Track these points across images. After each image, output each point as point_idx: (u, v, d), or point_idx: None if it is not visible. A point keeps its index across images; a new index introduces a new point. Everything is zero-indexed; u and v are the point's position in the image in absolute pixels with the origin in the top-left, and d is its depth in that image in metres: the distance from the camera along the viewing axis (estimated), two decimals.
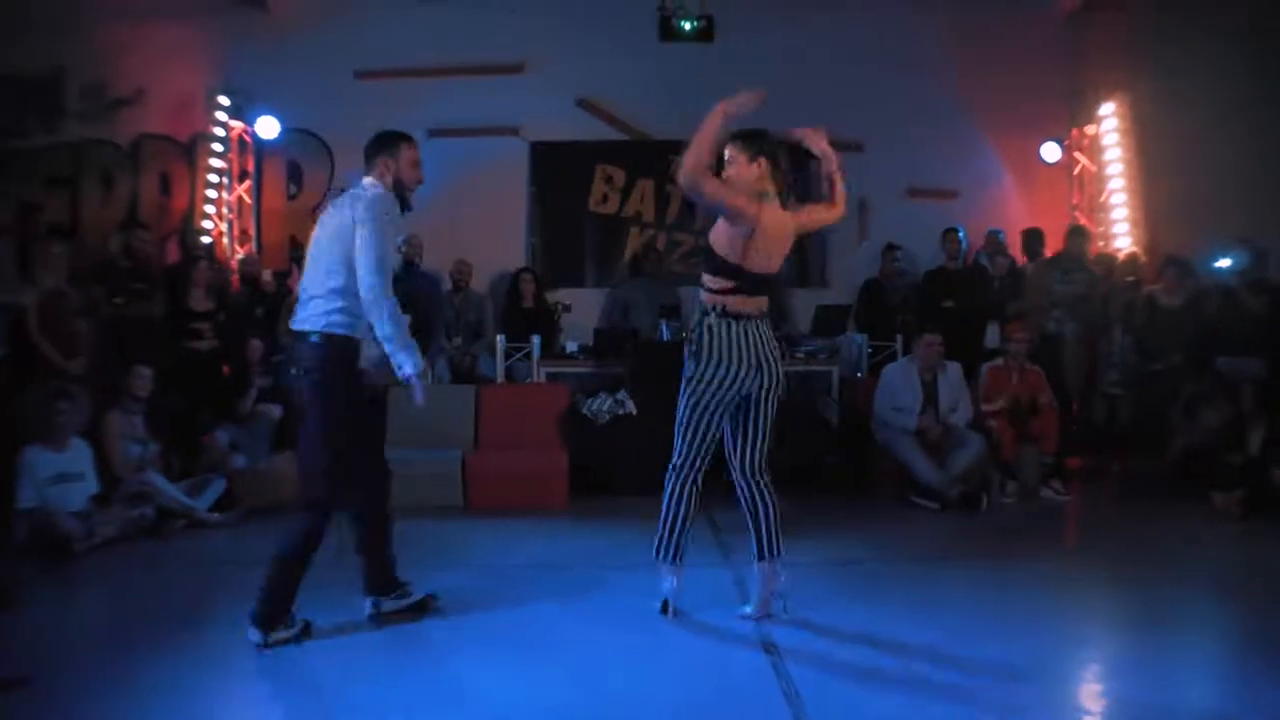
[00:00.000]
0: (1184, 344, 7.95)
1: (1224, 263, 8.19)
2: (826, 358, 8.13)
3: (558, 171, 9.61)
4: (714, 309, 4.16)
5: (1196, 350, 7.88)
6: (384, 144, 4.10)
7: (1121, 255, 9.18)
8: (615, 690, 3.56)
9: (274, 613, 3.94)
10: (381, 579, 4.31)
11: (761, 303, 4.23)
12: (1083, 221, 9.69)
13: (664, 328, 7.82)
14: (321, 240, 3.99)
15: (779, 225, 4.21)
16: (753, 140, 4.30)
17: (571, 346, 8.13)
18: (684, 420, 4.22)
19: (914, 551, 5.69)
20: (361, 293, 3.83)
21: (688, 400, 4.19)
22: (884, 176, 9.38)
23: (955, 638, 4.04)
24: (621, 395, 7.40)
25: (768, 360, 4.18)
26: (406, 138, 4.15)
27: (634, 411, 7.33)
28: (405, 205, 4.11)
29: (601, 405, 7.35)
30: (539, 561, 5.35)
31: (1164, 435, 7.74)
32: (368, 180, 4.05)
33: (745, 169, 4.24)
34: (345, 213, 3.92)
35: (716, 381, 4.12)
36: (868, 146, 9.43)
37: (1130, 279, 8.58)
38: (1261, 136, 8.87)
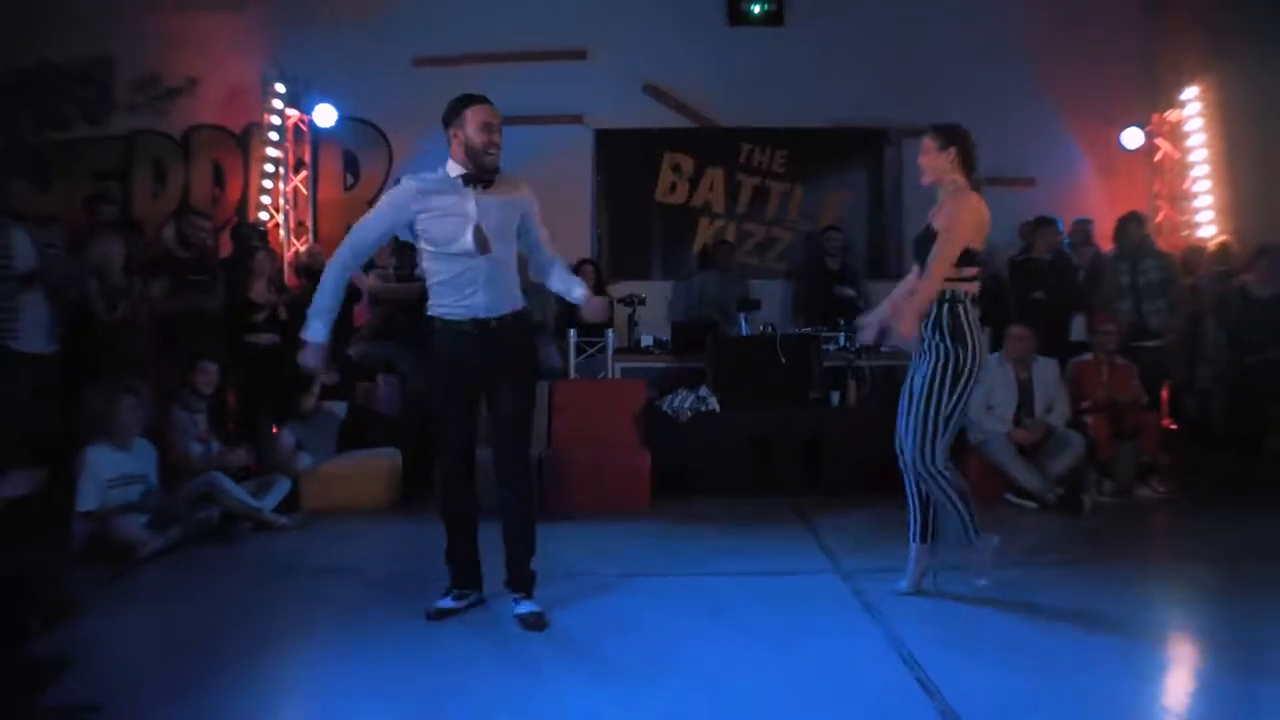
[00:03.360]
0: (1275, 335, 7.59)
1: None
2: None
3: (623, 160, 9.32)
4: (966, 296, 4.25)
5: None
6: (450, 113, 3.99)
7: (1212, 244, 8.80)
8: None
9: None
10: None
11: None
12: (1164, 210, 9.34)
13: (743, 321, 7.52)
14: None
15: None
16: (944, 130, 4.41)
17: (646, 340, 7.86)
18: (948, 413, 4.25)
19: (1020, 555, 5.26)
20: None
21: (955, 391, 4.22)
22: None
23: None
24: (704, 391, 7.09)
25: None
26: (472, 99, 4.00)
27: (717, 409, 7.02)
28: (483, 174, 3.92)
29: (683, 402, 7.04)
30: (635, 570, 4.99)
31: (1261, 431, 7.41)
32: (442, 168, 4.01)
33: (936, 157, 4.38)
34: None
35: (978, 369, 4.26)
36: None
37: (1222, 269, 8.21)
38: None
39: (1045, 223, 8.32)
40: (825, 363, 7.50)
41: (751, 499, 6.64)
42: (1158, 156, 9.48)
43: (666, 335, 7.91)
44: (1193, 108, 9.21)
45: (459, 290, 3.99)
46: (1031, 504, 6.45)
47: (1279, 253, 7.98)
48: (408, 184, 3.97)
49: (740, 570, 4.89)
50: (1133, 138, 9.32)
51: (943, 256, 4.18)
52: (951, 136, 4.35)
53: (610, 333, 7.62)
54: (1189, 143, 9.25)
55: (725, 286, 8.31)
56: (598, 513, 6.23)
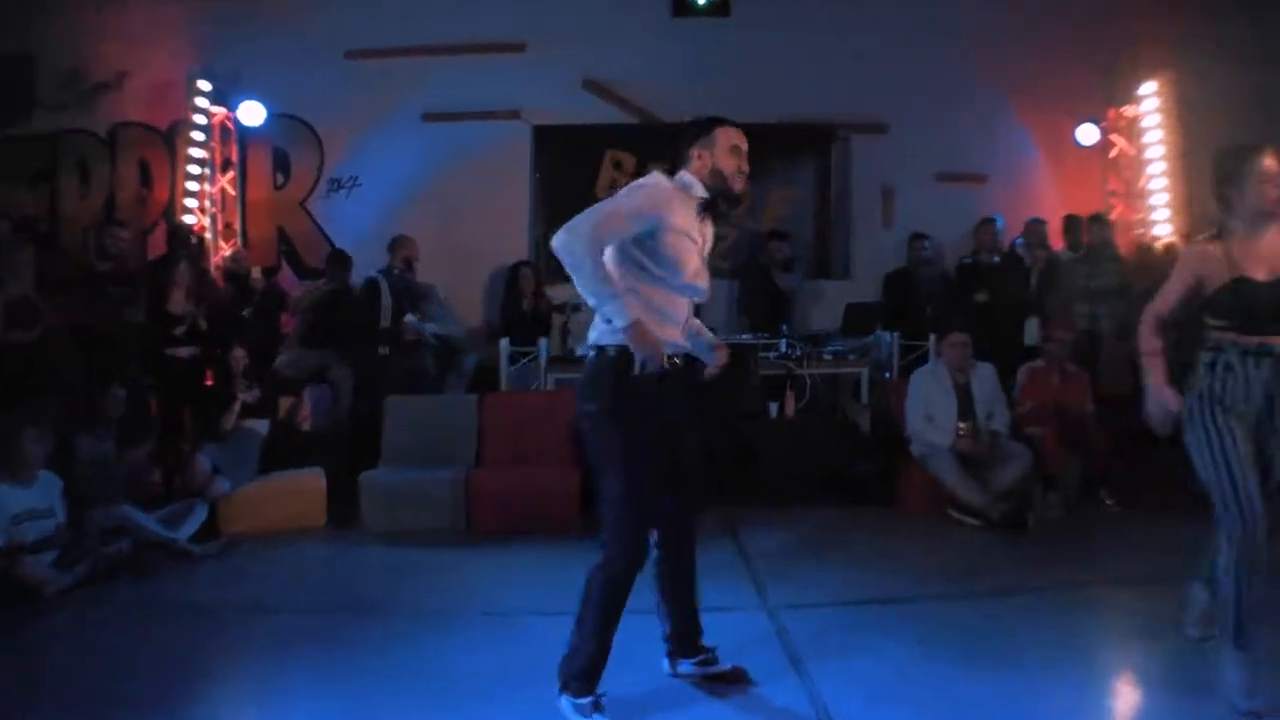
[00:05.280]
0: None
1: None
2: (856, 359, 7.65)
3: (563, 157, 9.04)
4: None
5: None
6: (698, 131, 3.51)
7: (1160, 245, 8.64)
8: None
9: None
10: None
11: None
12: (1119, 208, 9.17)
13: None
14: None
15: None
16: None
17: (581, 349, 7.56)
18: None
19: (961, 582, 5.14)
20: None
21: None
22: (910, 160, 8.95)
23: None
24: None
25: None
26: (722, 120, 3.54)
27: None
28: (731, 201, 3.52)
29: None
30: (548, 606, 4.54)
31: None
32: (681, 173, 3.50)
33: None
34: None
35: None
36: (893, 128, 9.04)
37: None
38: None
39: (984, 222, 8.17)
40: (764, 371, 7.30)
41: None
42: (1113, 153, 9.29)
43: None
44: (1150, 103, 9.02)
45: (676, 317, 3.47)
46: (975, 520, 6.26)
47: None
48: (663, 181, 3.44)
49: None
50: (1088, 134, 9.12)
51: None
52: None
53: (544, 341, 7.37)
54: (1145, 139, 9.07)
55: None
56: (525, 534, 5.98)
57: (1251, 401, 3.42)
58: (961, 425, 6.57)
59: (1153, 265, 8.22)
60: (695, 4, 8.78)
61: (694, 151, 3.47)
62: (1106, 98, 9.23)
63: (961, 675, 3.83)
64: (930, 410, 6.63)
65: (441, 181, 8.67)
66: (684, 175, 3.48)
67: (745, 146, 3.49)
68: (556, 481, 6.26)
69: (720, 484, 6.48)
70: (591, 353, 3.42)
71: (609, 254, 3.28)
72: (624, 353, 3.24)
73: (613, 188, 9.04)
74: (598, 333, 3.39)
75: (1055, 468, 6.65)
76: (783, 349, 7.47)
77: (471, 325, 8.48)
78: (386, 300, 7.58)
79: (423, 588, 5.01)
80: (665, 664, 3.78)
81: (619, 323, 3.19)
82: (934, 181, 9.06)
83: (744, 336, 7.70)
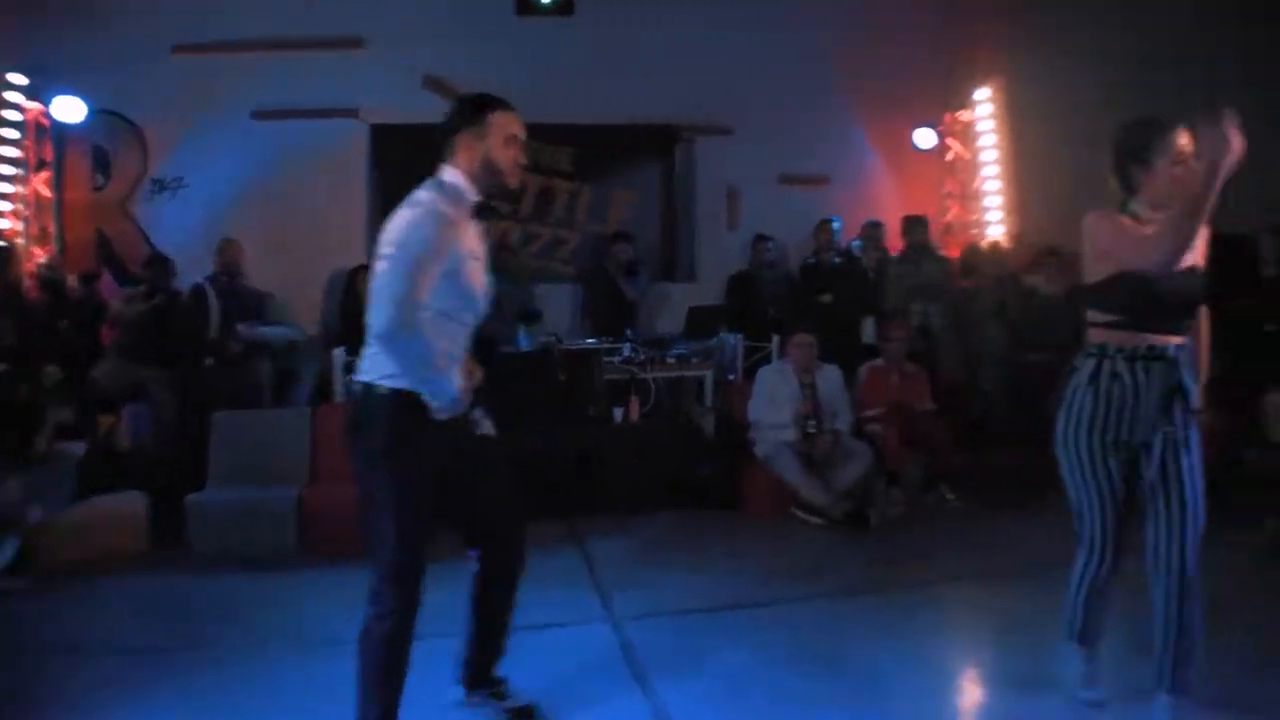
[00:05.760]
0: (1063, 334, 7.74)
1: None
2: (700, 361, 7.64)
3: (402, 158, 8.50)
4: None
5: (1075, 341, 7.68)
6: (466, 114, 3.05)
7: (985, 244, 8.95)
8: None
9: None
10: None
11: None
12: (954, 210, 9.44)
13: (523, 336, 7.15)
14: None
15: None
16: None
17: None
18: None
19: (806, 582, 5.17)
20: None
21: None
22: (754, 162, 9.02)
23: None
24: (478, 413, 6.67)
25: None
26: (498, 103, 3.08)
27: (492, 433, 6.61)
28: (507, 199, 3.24)
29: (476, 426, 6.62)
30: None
31: (1043, 427, 7.53)
32: (446, 170, 3.04)
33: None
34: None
35: None
36: (737, 130, 9.08)
37: (1001, 270, 8.35)
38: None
39: (822, 223, 8.32)
40: (608, 376, 7.23)
41: (530, 524, 6.25)
42: (949, 156, 9.56)
43: None
44: (984, 109, 9.32)
45: (457, 351, 3.08)
46: (818, 519, 6.33)
47: (1067, 253, 8.16)
48: (440, 206, 2.92)
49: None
50: (925, 137, 9.37)
51: None
52: None
53: None
54: (980, 143, 9.37)
55: (510, 295, 7.87)
56: (363, 554, 5.73)
57: (1142, 418, 3.17)
58: (808, 424, 6.66)
59: (980, 264, 8.53)
60: (539, 3, 8.63)
61: (462, 141, 3.01)
62: (943, 103, 9.51)
63: (807, 679, 3.85)
64: (775, 410, 6.69)
65: (275, 182, 8.31)
66: (450, 177, 3.01)
67: (523, 135, 3.09)
68: None
69: (564, 493, 6.39)
70: (359, 388, 3.02)
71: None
72: (399, 395, 2.91)
73: None
74: (372, 369, 2.97)
75: (897, 465, 6.79)
76: (627, 353, 7.42)
77: (309, 333, 8.15)
78: (214, 309, 7.20)
79: (256, 617, 4.74)
80: (458, 691, 3.46)
81: (441, 401, 2.92)
82: (777, 183, 9.15)
83: (588, 341, 7.62)
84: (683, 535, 6.16)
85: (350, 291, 7.77)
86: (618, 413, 7.02)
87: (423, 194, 2.92)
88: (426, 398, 2.92)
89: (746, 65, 8.83)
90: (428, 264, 2.82)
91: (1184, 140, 3.14)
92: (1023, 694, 3.65)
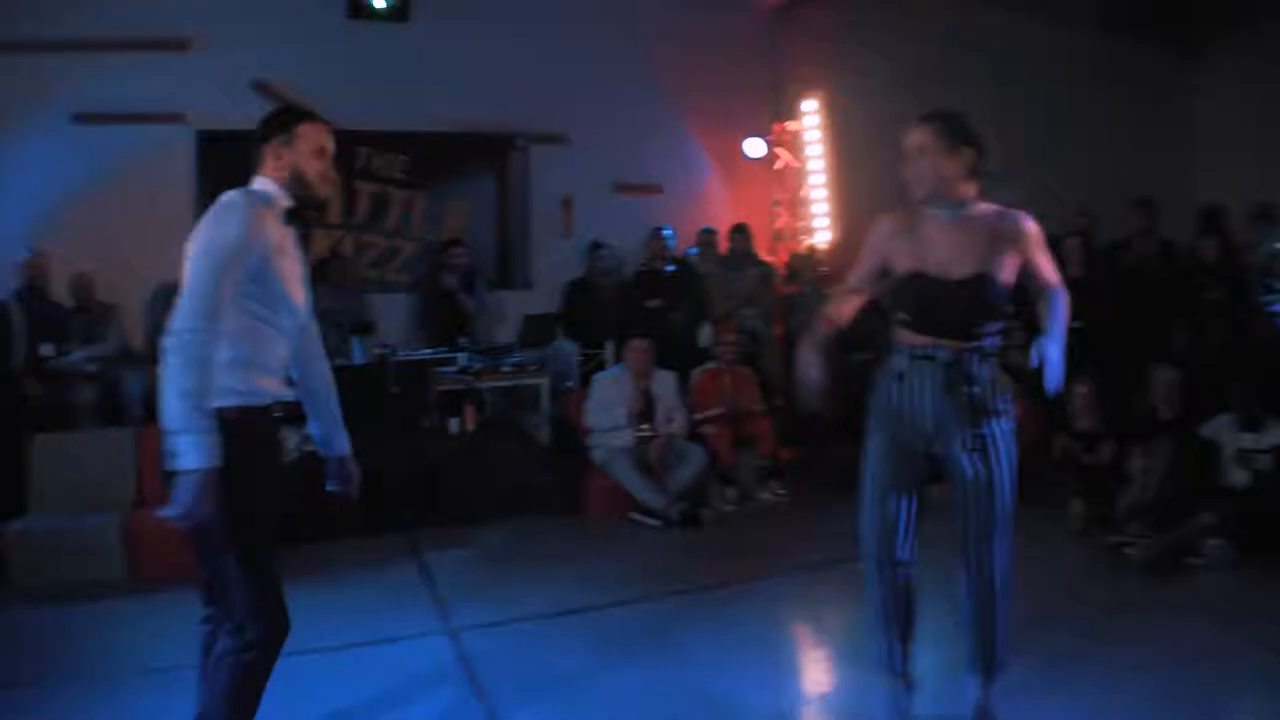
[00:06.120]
0: (885, 335, 8.14)
1: None
2: (536, 369, 7.70)
3: (230, 165, 8.17)
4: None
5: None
6: (275, 125, 3.03)
7: (809, 250, 9.33)
8: None
9: None
10: None
11: None
12: (784, 217, 9.78)
13: (357, 347, 7.08)
14: None
15: None
16: (952, 125, 3.24)
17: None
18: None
19: (643, 584, 5.34)
20: None
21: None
22: (588, 170, 9.09)
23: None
24: (311, 430, 6.57)
25: None
26: (307, 115, 3.07)
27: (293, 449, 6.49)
28: (313, 208, 3.07)
29: (287, 443, 6.52)
30: None
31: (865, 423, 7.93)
32: (256, 180, 3.00)
33: (944, 160, 3.22)
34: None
35: None
36: (572, 139, 9.15)
37: (820, 273, 8.74)
38: None
39: (654, 232, 8.52)
40: (443, 387, 7.23)
41: (369, 540, 6.18)
42: (778, 165, 9.86)
43: None
44: (810, 119, 9.67)
45: (271, 361, 2.97)
46: (655, 521, 6.51)
47: None
48: (240, 200, 2.84)
49: (343, 643, 4.48)
50: (755, 147, 9.64)
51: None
52: (965, 133, 3.23)
53: None
54: (807, 152, 9.71)
55: (340, 304, 7.73)
56: (186, 581, 5.55)
57: (920, 417, 3.24)
58: (642, 428, 6.84)
59: (802, 269, 8.89)
60: (372, 7, 8.54)
61: (270, 150, 3.00)
62: (772, 113, 9.79)
63: (645, 676, 4.00)
64: (610, 416, 6.85)
65: (96, 190, 7.89)
66: (260, 184, 2.98)
67: (332, 148, 3.07)
68: None
69: (400, 506, 6.39)
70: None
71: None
72: (219, 413, 2.72)
73: None
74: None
75: (729, 465, 7.04)
76: (462, 363, 7.44)
77: (134, 346, 7.82)
78: (18, 327, 6.83)
79: (84, 649, 4.57)
80: None
81: (188, 461, 2.62)
82: (612, 192, 9.26)
83: (423, 352, 7.61)
84: (522, 543, 6.23)
85: (171, 305, 7.46)
86: (453, 423, 7.03)
87: (225, 195, 2.86)
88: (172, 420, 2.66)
89: (581, 75, 8.91)
90: (232, 260, 2.74)
91: (912, 137, 3.22)
92: (853, 674, 3.90)
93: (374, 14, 8.58)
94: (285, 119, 3.04)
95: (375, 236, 8.91)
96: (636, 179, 9.29)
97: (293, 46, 8.36)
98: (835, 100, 9.56)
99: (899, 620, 3.40)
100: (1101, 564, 5.51)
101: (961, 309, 3.18)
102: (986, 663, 3.37)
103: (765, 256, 9.28)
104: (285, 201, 2.98)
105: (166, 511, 2.65)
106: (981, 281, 3.17)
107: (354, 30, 8.52)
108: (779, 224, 9.79)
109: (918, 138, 3.21)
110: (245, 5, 8.28)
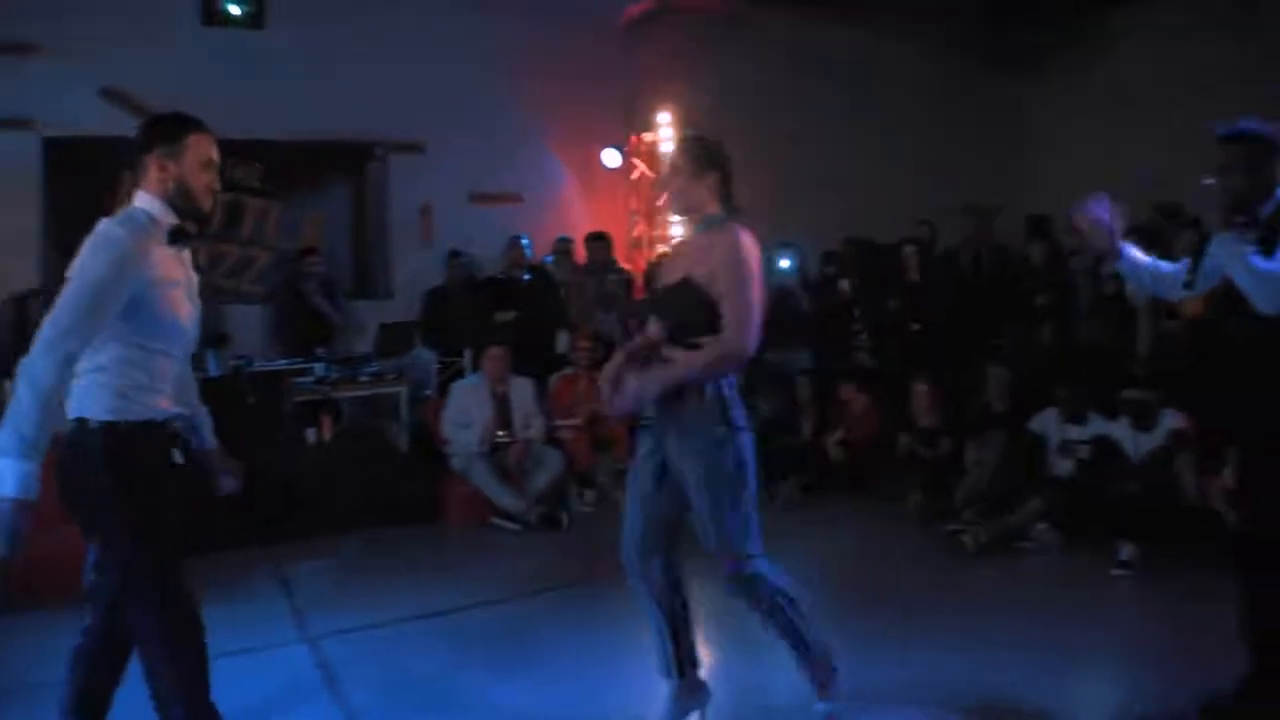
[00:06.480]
0: None
1: (783, 263, 8.80)
2: (394, 378, 7.77)
3: (78, 173, 8.09)
4: None
5: None
6: (157, 135, 2.91)
7: (656, 258, 9.61)
8: None
9: None
10: None
11: None
12: (640, 226, 10.06)
13: (211, 359, 7.03)
14: None
15: None
16: (702, 150, 3.42)
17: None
18: (751, 500, 3.34)
19: (502, 586, 5.48)
20: None
21: (750, 479, 3.34)
22: (447, 179, 9.16)
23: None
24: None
25: None
26: (195, 124, 2.94)
27: (180, 460, 6.45)
28: (199, 220, 2.99)
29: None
30: None
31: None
32: (138, 195, 2.90)
33: (691, 185, 3.39)
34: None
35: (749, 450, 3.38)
36: (430, 148, 9.21)
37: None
38: (798, 144, 9.70)
39: (511, 241, 8.69)
40: (299, 397, 7.25)
41: (228, 553, 6.01)
42: (635, 175, 10.15)
43: None
44: (665, 131, 9.97)
45: (160, 383, 2.94)
46: (515, 525, 6.67)
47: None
48: (119, 233, 2.77)
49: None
50: (611, 157, 9.90)
51: (748, 315, 3.20)
52: (712, 158, 3.41)
53: None
54: (662, 163, 9.99)
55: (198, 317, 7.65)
56: (52, 599, 5.32)
57: (651, 435, 3.39)
58: (500, 434, 7.00)
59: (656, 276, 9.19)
60: (227, 14, 8.44)
61: (154, 161, 2.88)
62: (628, 125, 10.08)
63: (502, 676, 4.16)
64: (469, 421, 6.97)
65: None
66: (141, 203, 2.89)
67: (218, 159, 3.00)
68: (76, 544, 5.69)
69: (258, 517, 6.31)
70: (72, 424, 2.84)
71: (106, 342, 2.78)
72: (114, 428, 2.81)
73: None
74: (86, 400, 2.83)
75: (587, 468, 7.27)
76: (319, 373, 7.46)
77: None
78: None
79: None
80: None
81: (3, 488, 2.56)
82: (470, 201, 9.36)
83: (279, 362, 7.60)
84: (382, 551, 6.28)
85: (20, 318, 7.29)
86: (310, 434, 7.05)
87: (103, 224, 2.81)
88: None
89: (438, 84, 8.98)
90: (102, 297, 2.70)
91: (669, 159, 3.45)
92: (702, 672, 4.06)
93: (229, 20, 8.50)
94: (172, 128, 2.92)
95: (229, 246, 8.78)
96: (495, 189, 9.42)
97: (145, 52, 8.22)
98: (687, 113, 9.88)
99: (669, 624, 3.55)
100: (938, 550, 5.96)
101: (669, 317, 3.27)
102: (813, 679, 3.49)
103: (624, 264, 9.53)
104: (169, 219, 2.90)
105: None
106: (679, 289, 3.28)
107: (209, 36, 8.45)
108: (636, 233, 10.07)
109: (671, 158, 3.47)
110: (95, 10, 8.09)
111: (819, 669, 3.44)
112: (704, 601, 3.91)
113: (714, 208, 3.39)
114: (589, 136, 9.76)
